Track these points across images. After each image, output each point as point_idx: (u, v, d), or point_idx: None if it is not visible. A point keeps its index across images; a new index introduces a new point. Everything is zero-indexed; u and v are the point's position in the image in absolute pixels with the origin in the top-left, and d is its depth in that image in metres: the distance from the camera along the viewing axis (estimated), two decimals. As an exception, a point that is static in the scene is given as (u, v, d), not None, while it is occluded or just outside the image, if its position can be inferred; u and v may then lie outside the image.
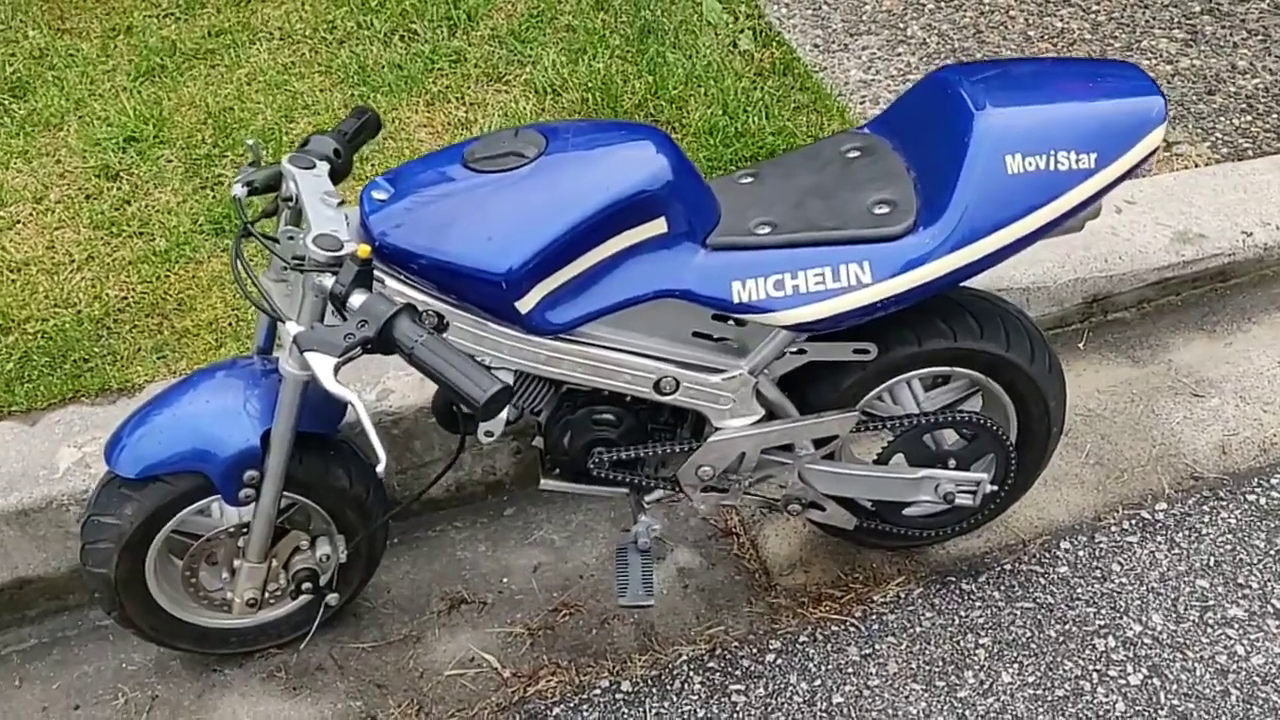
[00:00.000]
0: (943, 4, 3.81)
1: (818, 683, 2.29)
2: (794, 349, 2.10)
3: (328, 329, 1.78)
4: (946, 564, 2.48)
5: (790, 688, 2.29)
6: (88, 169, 3.26)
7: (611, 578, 2.50)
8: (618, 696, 2.29)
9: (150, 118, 3.40)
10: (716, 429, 2.12)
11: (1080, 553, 2.47)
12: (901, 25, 3.71)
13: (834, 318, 1.94)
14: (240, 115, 3.43)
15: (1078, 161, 1.91)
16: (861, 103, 3.39)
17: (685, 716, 2.24)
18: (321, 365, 1.75)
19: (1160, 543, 2.47)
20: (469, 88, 3.52)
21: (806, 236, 1.96)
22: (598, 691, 2.30)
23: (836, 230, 1.96)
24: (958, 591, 2.43)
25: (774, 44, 3.63)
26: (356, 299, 1.77)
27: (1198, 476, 2.62)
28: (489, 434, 2.04)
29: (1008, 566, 2.46)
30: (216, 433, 2.06)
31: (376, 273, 1.91)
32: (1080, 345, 2.96)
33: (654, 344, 2.04)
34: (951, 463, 2.26)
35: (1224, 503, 2.54)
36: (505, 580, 2.53)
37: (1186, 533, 2.49)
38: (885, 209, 1.96)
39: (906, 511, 2.36)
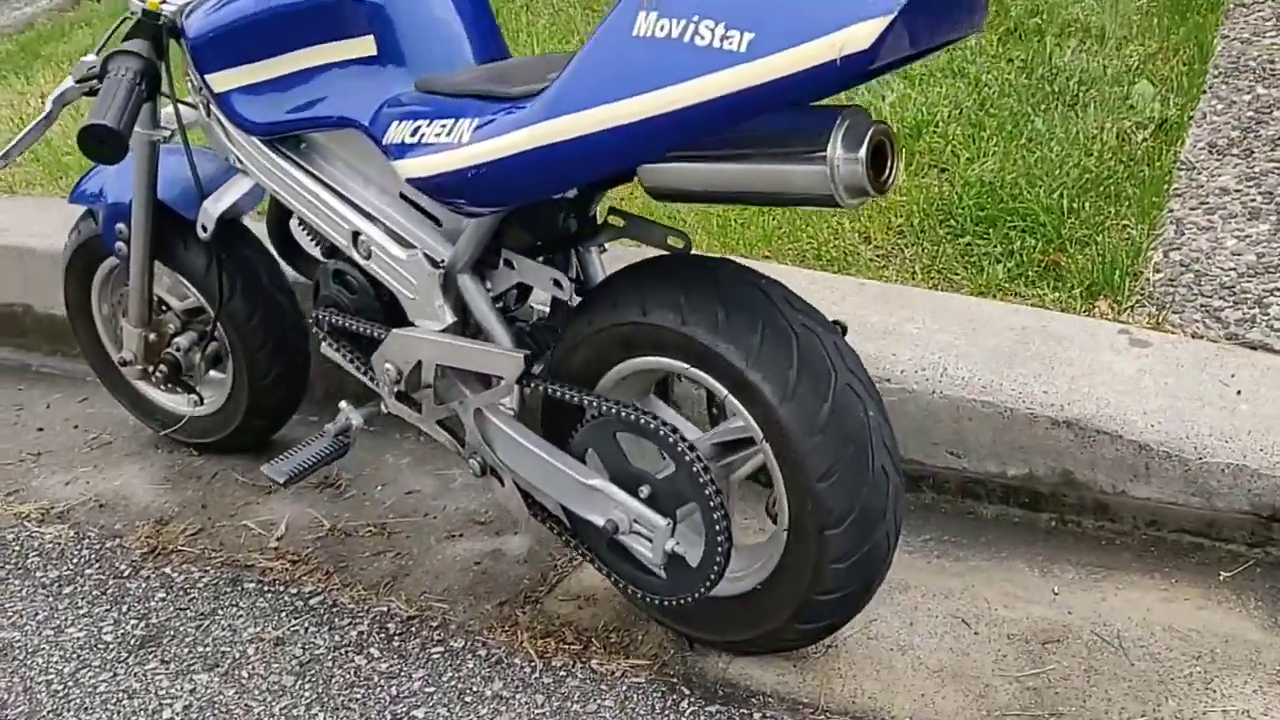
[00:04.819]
0: None
1: (432, 693, 1.82)
2: (503, 258, 1.72)
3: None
4: (708, 680, 1.79)
5: (407, 681, 1.84)
6: None
7: (429, 525, 2.22)
8: (298, 603, 2.05)
9: None
10: (409, 324, 1.81)
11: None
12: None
13: (429, 178, 1.57)
14: None
15: (724, 39, 1.31)
16: (1198, 232, 2.50)
17: (310, 649, 1.94)
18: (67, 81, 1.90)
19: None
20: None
21: (466, 88, 1.61)
22: (294, 591, 2.08)
23: (490, 87, 1.57)
24: (682, 708, 1.74)
25: (1167, 144, 2.82)
26: (128, 44, 1.89)
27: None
28: (204, 227, 1.97)
29: (763, 717, 1.71)
30: (115, 183, 2.26)
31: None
32: (1222, 575, 1.89)
33: (362, 194, 1.82)
34: (645, 490, 1.64)
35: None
36: (381, 489, 2.36)
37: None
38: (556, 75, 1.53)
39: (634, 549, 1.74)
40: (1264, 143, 2.73)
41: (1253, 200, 2.51)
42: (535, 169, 1.46)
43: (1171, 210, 2.52)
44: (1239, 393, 1.97)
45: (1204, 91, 3.00)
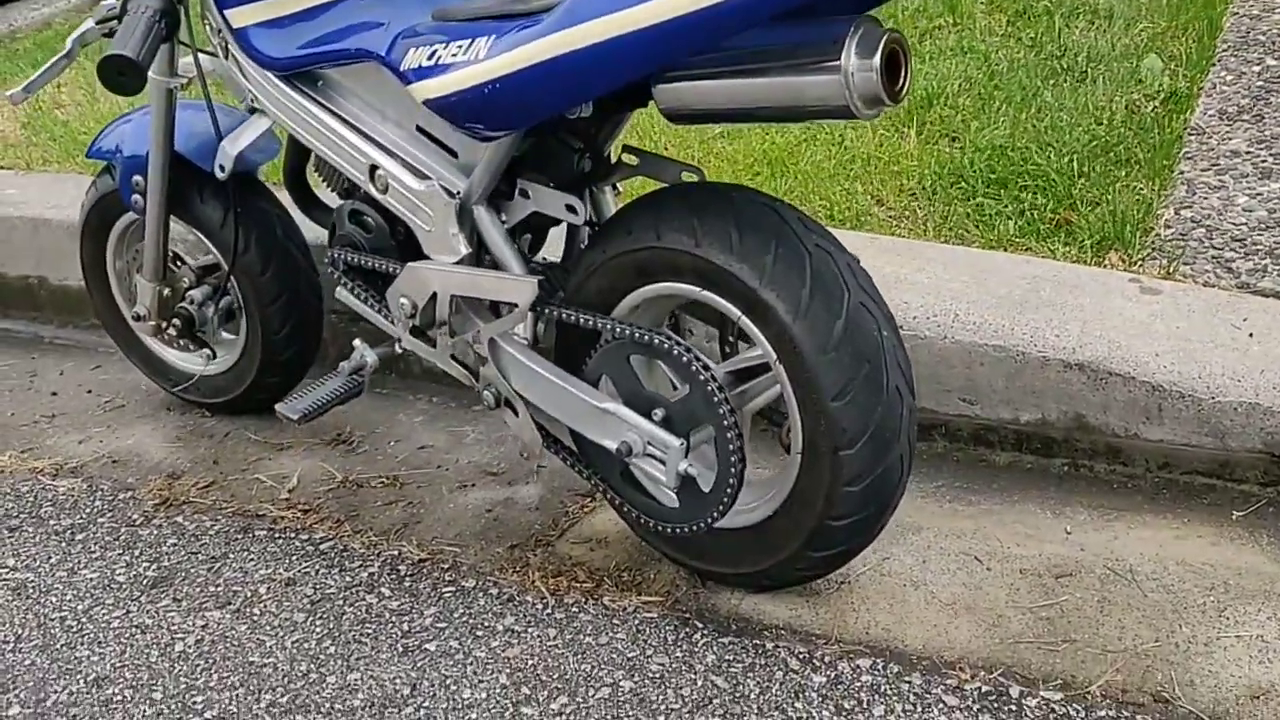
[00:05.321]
0: None
1: (443, 628, 1.82)
2: (518, 189, 1.74)
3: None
4: (721, 614, 1.79)
5: (418, 617, 1.84)
6: None
7: (440, 476, 2.22)
8: (309, 548, 2.05)
9: None
10: (424, 259, 1.82)
11: (866, 680, 1.61)
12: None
13: (446, 97, 1.58)
14: None
15: None
16: (1209, 194, 2.50)
17: (321, 589, 1.94)
18: (88, 23, 1.91)
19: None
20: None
21: (482, 13, 1.62)
22: (305, 538, 2.08)
23: (506, 8, 1.59)
24: (695, 640, 1.73)
25: (1176, 113, 2.82)
26: None
27: (1165, 699, 1.54)
28: (222, 168, 1.99)
29: (776, 646, 1.70)
30: (131, 137, 2.27)
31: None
32: (1235, 515, 1.89)
33: (380, 129, 1.83)
34: (659, 413, 1.64)
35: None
36: (394, 444, 2.36)
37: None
38: None
39: (645, 476, 1.74)
40: (1274, 109, 2.74)
41: (1264, 161, 2.51)
42: (552, 80, 1.47)
43: (1182, 172, 2.53)
44: (1251, 335, 1.97)
45: (1213, 64, 3.01)
